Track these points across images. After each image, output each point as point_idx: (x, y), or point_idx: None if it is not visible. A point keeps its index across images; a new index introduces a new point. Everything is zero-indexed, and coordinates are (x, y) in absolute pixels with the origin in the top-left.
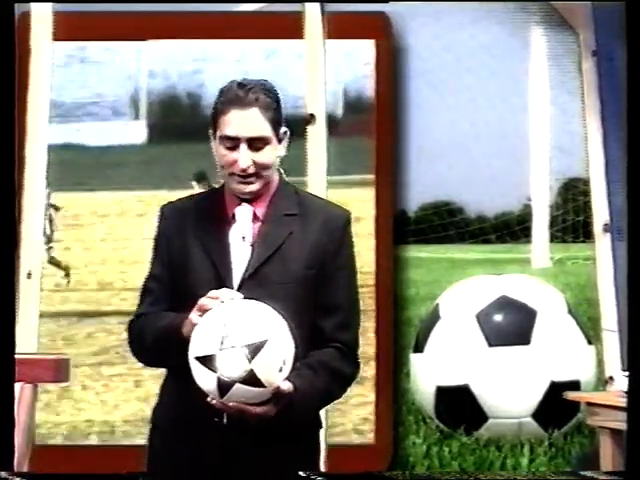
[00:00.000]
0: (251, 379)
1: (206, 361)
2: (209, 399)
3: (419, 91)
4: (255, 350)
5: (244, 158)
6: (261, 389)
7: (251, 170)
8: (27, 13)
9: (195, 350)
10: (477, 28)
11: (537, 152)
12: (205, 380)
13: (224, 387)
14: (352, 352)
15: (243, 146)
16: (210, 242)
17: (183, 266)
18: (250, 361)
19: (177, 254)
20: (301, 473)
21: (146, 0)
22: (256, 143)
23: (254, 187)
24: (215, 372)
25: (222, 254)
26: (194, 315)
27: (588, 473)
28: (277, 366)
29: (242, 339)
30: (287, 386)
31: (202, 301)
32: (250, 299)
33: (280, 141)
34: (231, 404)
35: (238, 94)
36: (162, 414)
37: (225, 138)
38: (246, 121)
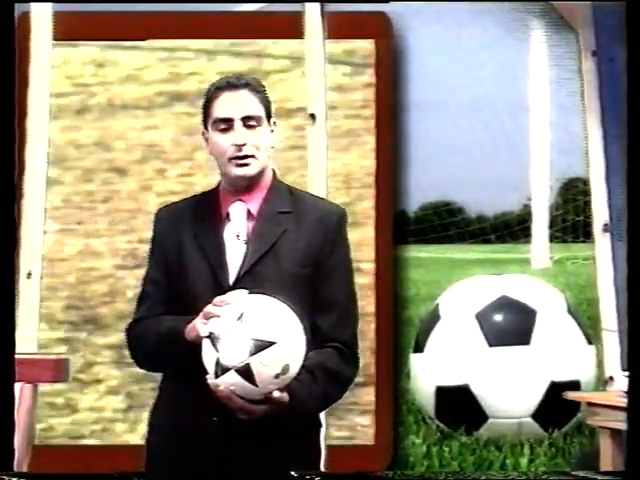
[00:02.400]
0: (245, 372)
1: (213, 340)
2: (207, 377)
3: (419, 91)
4: (259, 347)
5: (239, 135)
6: (252, 387)
7: (248, 150)
8: (27, 13)
9: (209, 327)
10: (477, 28)
11: (537, 152)
12: (207, 357)
13: (220, 370)
14: (351, 351)
15: (238, 124)
16: (205, 241)
17: (179, 266)
18: (250, 355)
19: (173, 255)
20: (293, 473)
21: (146, 0)
22: (250, 122)
23: (252, 170)
24: (217, 352)
25: (217, 252)
26: (200, 323)
27: (588, 473)
28: (274, 371)
29: (252, 332)
30: (279, 396)
31: (208, 309)
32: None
33: (272, 131)
34: (222, 388)
35: (228, 80)
36: (160, 415)
37: (219, 121)
38: (238, 101)
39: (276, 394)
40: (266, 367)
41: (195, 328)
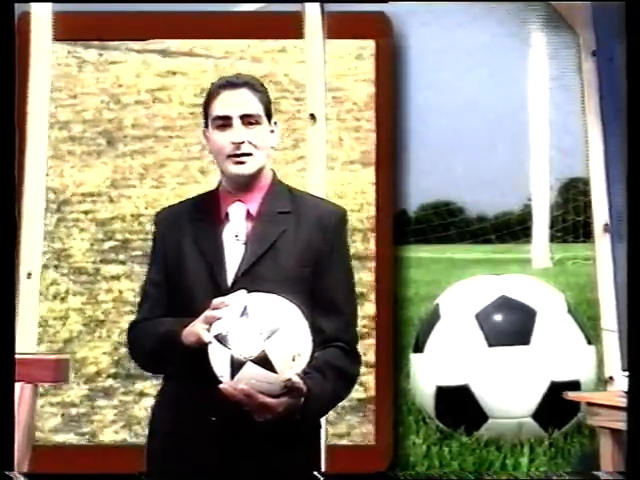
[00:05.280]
0: (263, 360)
1: (222, 339)
2: (220, 385)
3: (419, 91)
4: (270, 333)
5: (238, 133)
6: (272, 374)
7: (246, 148)
8: (27, 13)
9: (214, 329)
10: (477, 28)
11: (537, 152)
12: (219, 359)
13: (236, 365)
14: (353, 349)
15: (236, 122)
16: (204, 241)
17: (179, 267)
18: (264, 341)
19: (173, 256)
20: (316, 473)
21: (146, 0)
22: (248, 120)
23: (249, 168)
24: (229, 350)
25: (216, 253)
26: (201, 329)
27: (588, 473)
28: (290, 354)
29: (260, 321)
30: (298, 381)
31: (209, 313)
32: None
33: (272, 131)
34: (240, 386)
35: (228, 79)
36: (161, 417)
37: (218, 118)
38: (237, 99)
39: (295, 378)
40: (282, 350)
41: (195, 333)
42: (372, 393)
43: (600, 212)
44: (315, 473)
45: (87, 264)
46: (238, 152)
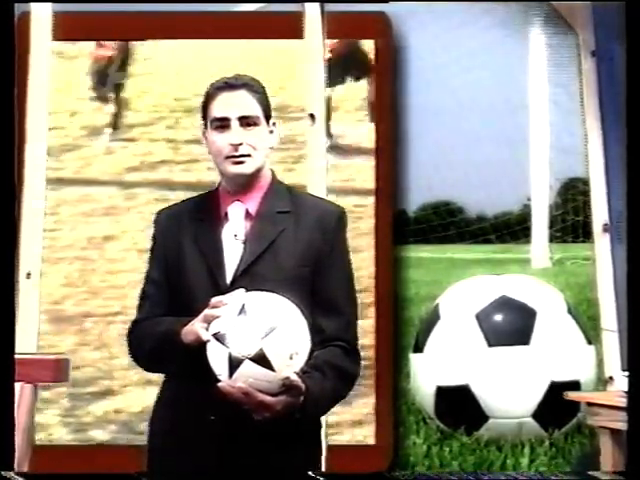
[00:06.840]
0: (260, 358)
1: (220, 338)
2: (219, 384)
3: (419, 91)
4: (268, 331)
5: (236, 134)
6: (270, 372)
7: (244, 149)
8: (27, 13)
9: (212, 328)
10: (477, 28)
11: (537, 152)
12: (217, 357)
13: (234, 363)
14: (354, 349)
15: (234, 124)
16: (203, 241)
17: (178, 266)
18: (261, 339)
19: (173, 256)
20: (310, 473)
21: (146, 0)
22: (247, 122)
23: (247, 168)
24: (227, 348)
25: (215, 252)
26: (200, 327)
27: (589, 473)
28: (288, 353)
29: (258, 319)
30: (296, 380)
31: (207, 311)
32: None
33: (271, 132)
34: (239, 384)
35: (226, 81)
36: (161, 415)
37: (216, 120)
38: (235, 101)
39: (293, 377)
40: (279, 348)
41: (194, 332)
42: (372, 393)
43: (599, 212)
44: (311, 473)
45: None
46: (236, 153)
